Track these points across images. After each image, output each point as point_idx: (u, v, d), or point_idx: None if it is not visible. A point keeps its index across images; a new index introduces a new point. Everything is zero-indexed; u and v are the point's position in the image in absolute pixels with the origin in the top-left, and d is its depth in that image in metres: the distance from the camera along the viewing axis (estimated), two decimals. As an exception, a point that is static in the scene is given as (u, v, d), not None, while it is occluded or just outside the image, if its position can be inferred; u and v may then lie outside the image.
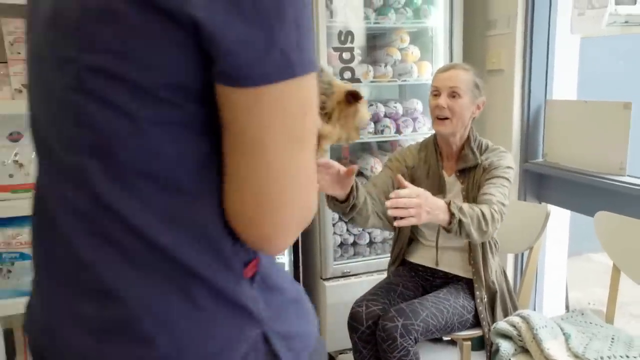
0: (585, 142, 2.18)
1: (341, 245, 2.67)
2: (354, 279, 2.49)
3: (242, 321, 0.62)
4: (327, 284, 2.44)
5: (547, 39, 2.33)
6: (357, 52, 2.52)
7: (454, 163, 1.84)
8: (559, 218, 2.49)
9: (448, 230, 1.59)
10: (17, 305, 2.14)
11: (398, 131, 2.60)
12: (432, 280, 1.90)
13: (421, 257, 1.92)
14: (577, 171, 2.18)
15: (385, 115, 2.60)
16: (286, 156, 0.57)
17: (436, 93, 1.79)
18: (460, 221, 1.56)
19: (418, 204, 1.49)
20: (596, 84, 3.08)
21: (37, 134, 0.66)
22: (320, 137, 1.01)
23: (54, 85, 0.59)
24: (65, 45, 0.56)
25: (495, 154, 1.79)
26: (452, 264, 1.85)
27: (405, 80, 2.56)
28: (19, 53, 2.08)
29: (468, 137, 1.83)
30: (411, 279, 1.92)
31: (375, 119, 2.58)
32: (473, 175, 1.78)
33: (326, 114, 1.06)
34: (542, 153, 2.42)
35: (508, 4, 2.36)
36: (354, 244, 2.71)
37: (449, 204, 1.57)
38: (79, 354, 0.61)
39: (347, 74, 2.38)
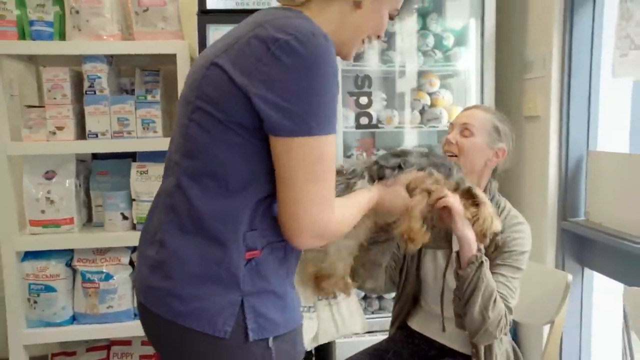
0: (635, 202, 1.87)
1: (365, 297, 2.51)
2: (380, 335, 2.30)
3: (230, 284, 0.92)
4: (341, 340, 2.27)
5: (589, 81, 2.07)
6: (381, 96, 2.42)
7: None
8: (609, 287, 2.15)
9: (462, 268, 1.38)
10: (40, 336, 2.24)
11: (425, 180, 2.43)
12: (427, 350, 1.69)
13: (419, 324, 1.72)
14: (623, 237, 1.86)
15: (412, 163, 2.45)
16: (305, 188, 0.89)
17: (450, 129, 1.61)
18: (481, 265, 1.36)
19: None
20: None
21: (170, 145, 1.05)
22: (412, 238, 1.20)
23: (181, 115, 0.99)
24: (190, 95, 0.97)
25: (512, 227, 1.50)
26: (453, 336, 1.64)
27: (433, 127, 2.40)
28: (55, 99, 2.23)
29: (484, 190, 1.54)
30: (407, 346, 1.72)
31: (401, 167, 2.44)
32: (487, 247, 1.54)
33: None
34: (583, 211, 2.12)
35: (544, 44, 2.15)
36: (380, 297, 2.53)
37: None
38: (141, 281, 1.00)
39: (364, 120, 2.28)
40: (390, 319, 1.82)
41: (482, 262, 1.36)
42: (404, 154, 1.28)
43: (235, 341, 0.92)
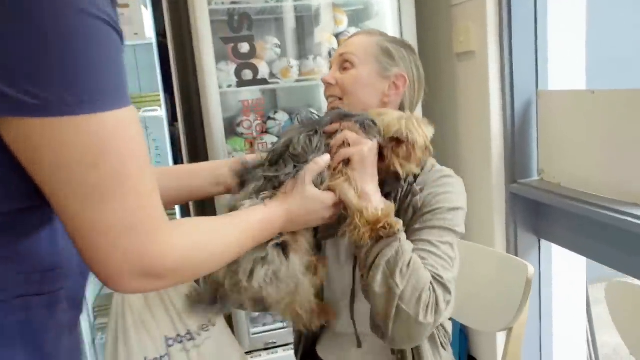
0: (600, 154, 1.44)
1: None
2: (283, 351, 1.83)
3: None
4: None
5: (534, 5, 1.60)
6: (273, 42, 1.85)
7: None
8: (570, 261, 1.75)
9: (359, 248, 0.96)
10: None
11: (340, 146, 1.92)
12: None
13: (330, 349, 1.24)
14: (585, 199, 1.45)
15: (321, 126, 1.93)
16: (91, 209, 0.54)
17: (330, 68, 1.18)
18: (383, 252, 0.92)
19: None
20: (622, 70, 2.23)
21: None
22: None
23: None
24: None
25: (436, 182, 1.06)
26: (374, 349, 1.16)
27: (343, 76, 1.87)
28: None
29: None
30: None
31: (308, 132, 1.91)
32: (400, 212, 1.05)
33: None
34: (536, 169, 1.68)
35: (475, -42, 1.64)
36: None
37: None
38: None
39: (247, 74, 1.71)
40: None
41: (399, 240, 0.92)
42: (285, 147, 0.94)
43: None
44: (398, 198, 1.05)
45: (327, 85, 1.12)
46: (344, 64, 1.10)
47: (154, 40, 1.75)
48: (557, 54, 1.63)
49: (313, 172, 0.90)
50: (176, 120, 1.86)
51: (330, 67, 1.16)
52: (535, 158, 1.68)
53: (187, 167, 1.17)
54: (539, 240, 1.72)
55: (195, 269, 0.68)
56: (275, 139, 1.89)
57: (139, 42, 1.73)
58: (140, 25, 1.62)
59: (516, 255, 1.68)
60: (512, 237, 1.71)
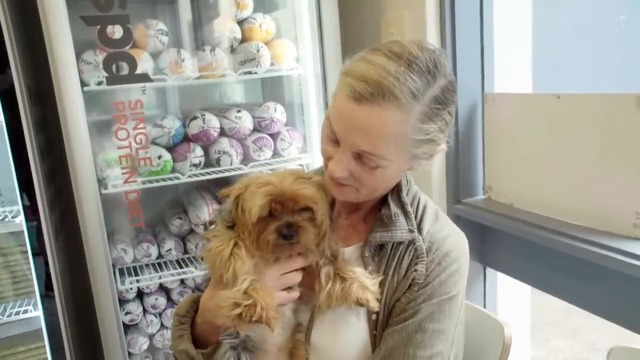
0: (562, 170, 1.22)
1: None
2: None
3: None
4: None
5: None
6: (157, 28, 1.44)
7: (361, 221, 0.94)
8: (519, 291, 1.54)
9: None
10: None
11: (246, 158, 1.57)
12: None
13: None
14: (536, 222, 1.23)
15: (223, 134, 1.55)
16: None
17: (332, 138, 0.82)
18: None
19: None
20: (565, 72, 2.02)
21: None
22: None
23: None
24: None
25: (440, 248, 0.88)
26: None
27: (249, 72, 1.51)
28: None
29: (396, 194, 0.92)
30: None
31: (205, 140, 1.52)
32: (397, 264, 0.87)
33: None
34: (482, 187, 1.44)
35: None
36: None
37: None
38: None
39: (122, 66, 1.29)
40: None
41: None
42: None
43: None
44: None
45: (335, 183, 0.82)
46: (364, 159, 0.80)
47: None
48: (505, 49, 1.39)
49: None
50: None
51: (332, 138, 0.81)
52: (481, 174, 1.43)
53: None
54: (484, 270, 1.49)
55: None
56: (163, 152, 1.49)
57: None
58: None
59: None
60: (456, 266, 1.45)
